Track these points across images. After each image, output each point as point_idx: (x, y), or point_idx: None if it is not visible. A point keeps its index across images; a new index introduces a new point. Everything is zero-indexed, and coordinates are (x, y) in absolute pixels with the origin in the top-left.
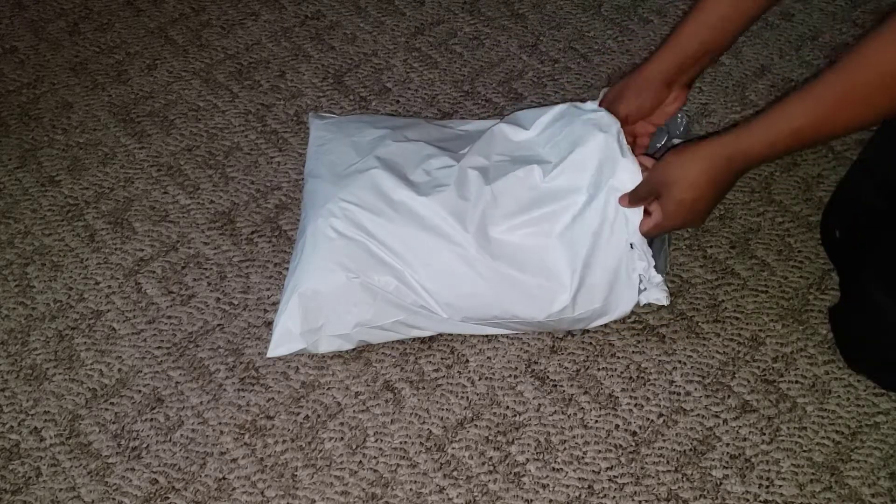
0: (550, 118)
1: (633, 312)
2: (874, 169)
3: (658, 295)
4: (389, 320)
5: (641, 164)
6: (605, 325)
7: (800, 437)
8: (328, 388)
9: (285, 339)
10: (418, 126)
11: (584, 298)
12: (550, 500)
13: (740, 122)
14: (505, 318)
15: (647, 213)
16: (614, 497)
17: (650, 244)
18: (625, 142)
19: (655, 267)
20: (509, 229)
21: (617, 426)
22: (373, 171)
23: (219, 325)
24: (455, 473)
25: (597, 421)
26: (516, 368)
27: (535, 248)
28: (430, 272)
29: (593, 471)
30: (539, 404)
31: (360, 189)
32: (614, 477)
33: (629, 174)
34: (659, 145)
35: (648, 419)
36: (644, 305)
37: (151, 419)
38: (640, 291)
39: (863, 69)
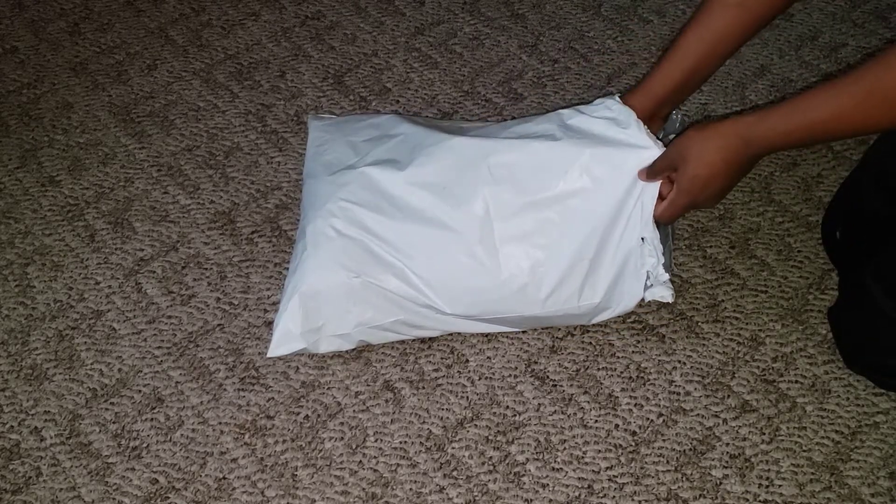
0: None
1: (632, 312)
2: (878, 171)
3: (664, 293)
4: (390, 320)
5: None
6: (605, 325)
7: (799, 436)
8: (328, 388)
9: (285, 339)
10: (416, 122)
11: (588, 290)
12: (550, 500)
13: (764, 105)
14: (507, 313)
15: (661, 198)
16: (614, 497)
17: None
18: (646, 130)
19: (663, 265)
20: (514, 219)
21: (617, 426)
22: (370, 168)
23: (219, 324)
24: (455, 473)
25: (597, 421)
26: (516, 368)
27: (542, 239)
28: (433, 265)
29: (593, 470)
30: (539, 404)
31: (359, 187)
32: (614, 477)
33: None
34: None
35: (648, 419)
36: (644, 305)
37: (151, 419)
38: (645, 287)
39: (888, 75)
